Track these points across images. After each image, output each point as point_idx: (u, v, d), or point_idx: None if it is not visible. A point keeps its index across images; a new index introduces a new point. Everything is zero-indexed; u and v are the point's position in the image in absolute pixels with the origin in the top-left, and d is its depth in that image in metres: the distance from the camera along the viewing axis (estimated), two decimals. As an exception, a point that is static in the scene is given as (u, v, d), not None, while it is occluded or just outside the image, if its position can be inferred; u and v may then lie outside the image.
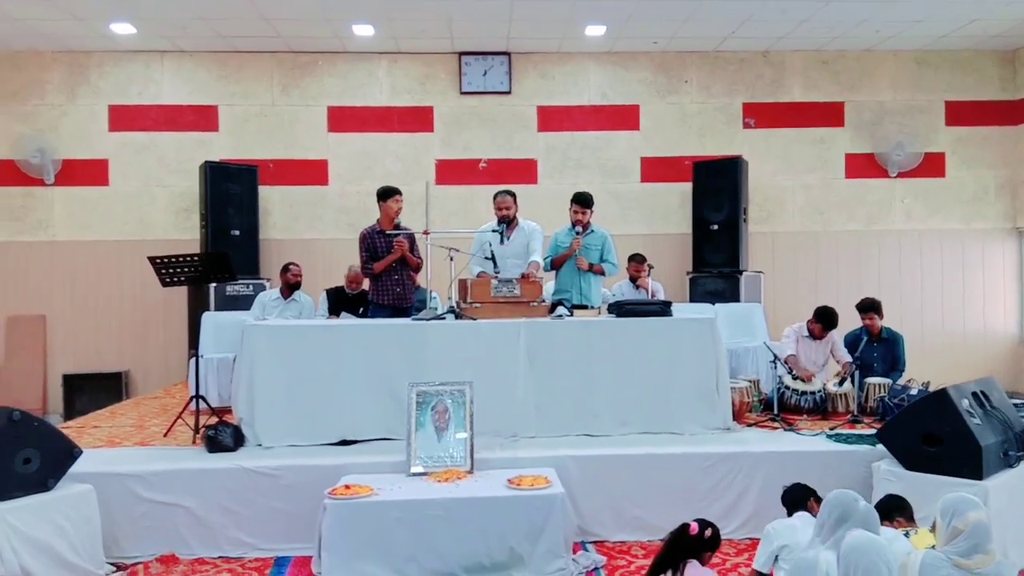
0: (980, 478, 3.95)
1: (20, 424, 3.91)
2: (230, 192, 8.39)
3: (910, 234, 9.29)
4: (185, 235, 8.74)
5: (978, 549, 2.88)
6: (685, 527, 3.27)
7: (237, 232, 8.38)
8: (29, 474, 3.92)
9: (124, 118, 8.85)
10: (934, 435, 4.10)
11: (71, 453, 4.11)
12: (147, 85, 8.87)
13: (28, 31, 8.07)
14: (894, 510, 3.72)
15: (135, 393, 8.55)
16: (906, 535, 3.40)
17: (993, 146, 9.30)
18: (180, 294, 8.32)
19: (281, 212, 8.96)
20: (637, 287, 7.10)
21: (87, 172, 8.80)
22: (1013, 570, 3.10)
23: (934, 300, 9.30)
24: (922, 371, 6.53)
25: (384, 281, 6.12)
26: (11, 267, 8.73)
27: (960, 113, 9.28)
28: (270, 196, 8.88)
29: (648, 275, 7.04)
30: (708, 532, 3.27)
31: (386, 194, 6.15)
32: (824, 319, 6.32)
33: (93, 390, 8.48)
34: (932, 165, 9.26)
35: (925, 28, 8.40)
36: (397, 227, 6.10)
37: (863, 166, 9.26)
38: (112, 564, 4.25)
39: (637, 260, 7.14)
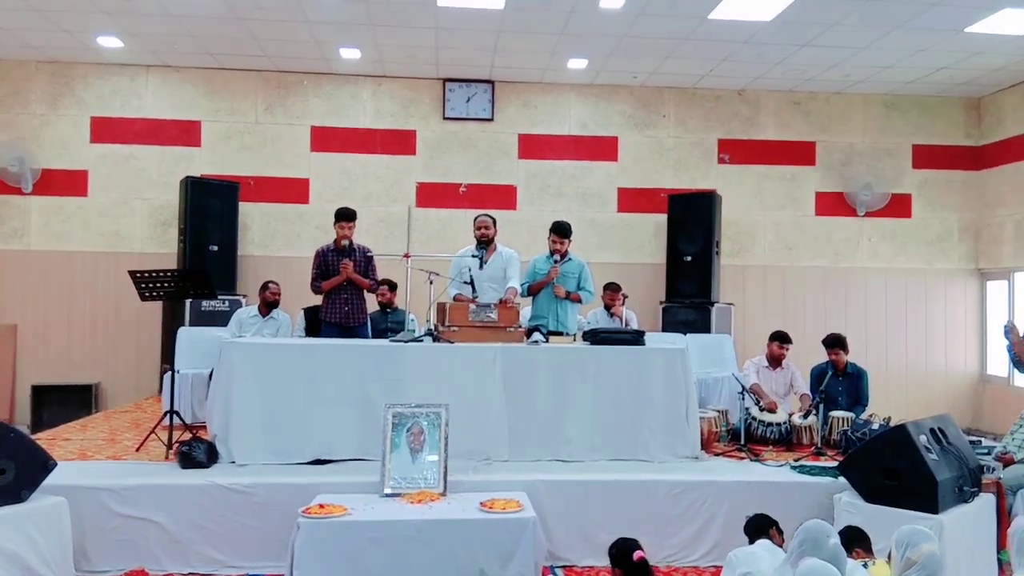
0: (936, 512, 4.09)
1: (-4, 434, 3.93)
2: (210, 207, 8.42)
3: (876, 272, 9.57)
4: (162, 248, 8.75)
5: (930, 579, 3.00)
6: (640, 562, 3.38)
7: (215, 247, 8.39)
8: (3, 485, 3.92)
9: (106, 130, 8.86)
10: (893, 469, 4.25)
11: (46, 465, 4.11)
12: (131, 98, 8.90)
13: (14, 40, 8.09)
14: (853, 541, 3.83)
15: (105, 406, 8.49)
16: (864, 566, 3.52)
17: (958, 190, 9.63)
18: (154, 308, 8.28)
19: (260, 229, 9.01)
20: (611, 315, 7.23)
21: (66, 182, 8.79)
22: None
23: (898, 337, 9.55)
24: (884, 405, 6.73)
25: (333, 299, 6.30)
26: (-17, 275, 8.67)
27: (927, 157, 9.62)
28: (250, 213, 8.92)
29: (623, 304, 7.18)
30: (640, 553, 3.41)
31: (335, 217, 6.36)
32: (778, 336, 6.71)
33: (62, 402, 8.41)
34: (899, 206, 9.57)
35: (894, 74, 8.72)
36: (349, 247, 6.24)
37: (832, 204, 9.54)
38: (81, 578, 4.25)
39: (612, 288, 7.28)
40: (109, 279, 8.65)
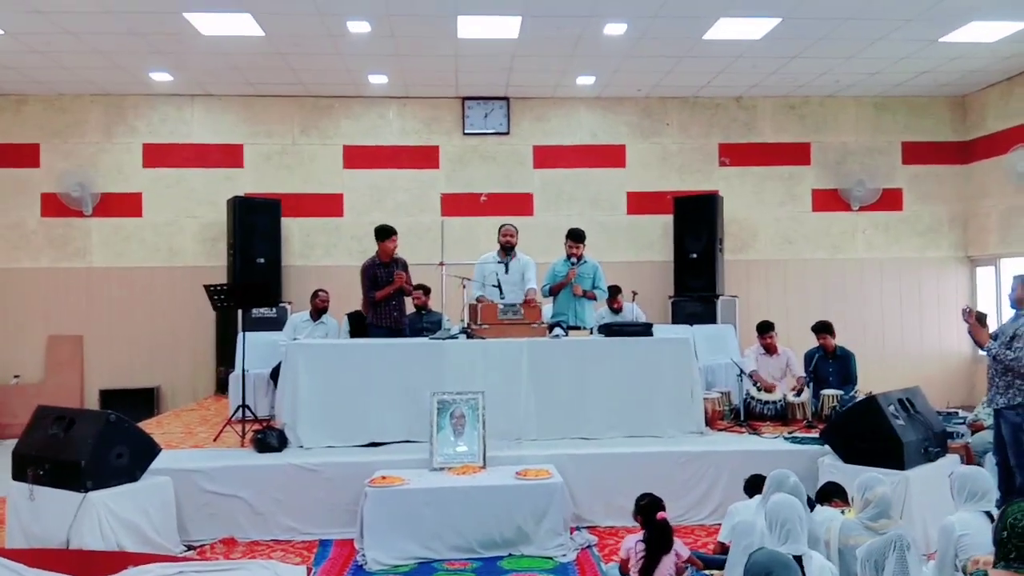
0: (903, 468, 4.81)
1: (115, 425, 4.74)
2: (255, 223, 9.23)
3: (871, 262, 10.24)
4: (212, 262, 9.57)
5: (883, 515, 3.74)
6: (662, 522, 4.06)
7: (262, 260, 9.20)
8: (121, 466, 4.74)
9: (157, 155, 9.71)
10: (865, 434, 4.98)
11: (153, 450, 4.93)
12: (178, 125, 9.74)
13: (73, 78, 8.93)
14: (832, 494, 4.57)
15: (166, 407, 9.33)
16: (842, 513, 4.26)
17: (946, 183, 10.28)
18: (207, 316, 9.09)
19: (300, 241, 9.82)
20: (615, 312, 7.97)
21: (122, 204, 9.64)
22: (912, 532, 3.94)
23: (894, 322, 10.22)
24: (883, 386, 7.26)
25: (383, 307, 7.01)
26: (52, 291, 9.54)
27: (916, 153, 10.28)
28: (291, 227, 9.74)
29: (633, 301, 7.91)
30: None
31: (385, 234, 7.03)
32: (760, 329, 7.50)
33: (128, 404, 9.12)
34: (891, 200, 10.23)
35: (882, 78, 9.38)
36: (393, 259, 7.00)
37: (828, 200, 10.22)
38: (184, 545, 5.05)
39: (613, 292, 8.01)
40: (165, 291, 9.52)
